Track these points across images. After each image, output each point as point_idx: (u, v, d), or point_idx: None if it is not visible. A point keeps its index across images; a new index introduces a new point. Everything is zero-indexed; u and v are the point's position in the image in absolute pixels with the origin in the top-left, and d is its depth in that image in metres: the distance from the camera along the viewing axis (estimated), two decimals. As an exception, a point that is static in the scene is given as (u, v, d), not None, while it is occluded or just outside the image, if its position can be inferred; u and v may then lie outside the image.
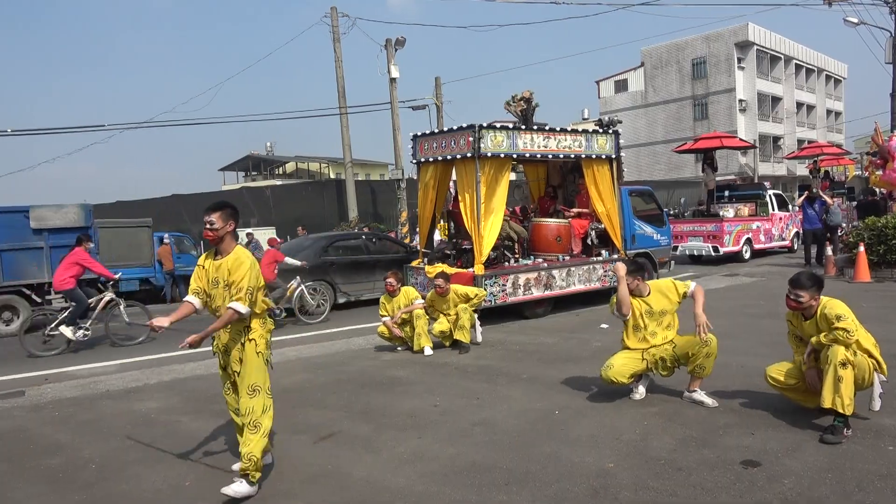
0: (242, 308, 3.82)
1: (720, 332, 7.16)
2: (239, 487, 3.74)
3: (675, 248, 16.99)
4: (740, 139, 24.91)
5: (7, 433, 5.37)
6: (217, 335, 3.98)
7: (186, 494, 3.94)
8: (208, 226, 3.89)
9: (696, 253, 17.18)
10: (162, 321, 3.96)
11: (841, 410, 4.06)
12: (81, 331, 9.29)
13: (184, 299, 4.11)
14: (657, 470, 3.82)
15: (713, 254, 16.51)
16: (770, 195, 18.30)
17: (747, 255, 17.09)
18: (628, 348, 5.21)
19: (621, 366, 5.10)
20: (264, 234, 18.38)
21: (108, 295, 9.65)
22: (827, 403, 4.10)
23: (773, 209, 18.12)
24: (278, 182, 40.13)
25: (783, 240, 18.60)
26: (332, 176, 42.87)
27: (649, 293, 5.19)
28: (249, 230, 17.74)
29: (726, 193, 18.55)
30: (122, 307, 9.64)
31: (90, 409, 6.04)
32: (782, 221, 18.45)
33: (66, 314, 9.31)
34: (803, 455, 3.91)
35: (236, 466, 4.07)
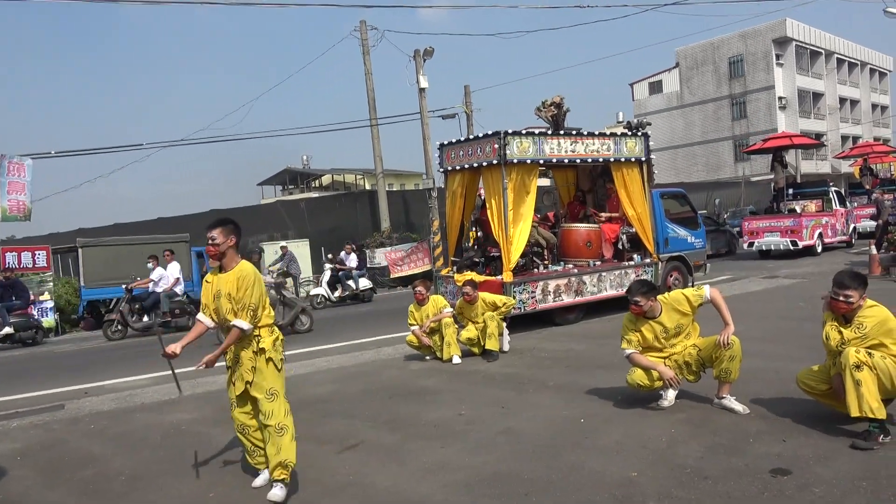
0: (245, 325, 3.90)
1: (758, 337, 7.03)
2: (280, 491, 3.86)
3: (752, 244, 17.86)
4: (809, 137, 25.03)
5: (45, 446, 5.54)
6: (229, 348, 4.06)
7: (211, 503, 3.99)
8: (210, 241, 3.96)
9: (767, 248, 17.70)
10: (175, 347, 4.02)
11: (871, 415, 3.89)
12: None
13: (196, 318, 4.22)
14: (683, 479, 3.72)
15: (792, 248, 17.11)
16: (832, 192, 18.97)
17: (819, 249, 17.61)
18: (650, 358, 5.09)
19: (646, 369, 4.99)
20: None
21: None
22: (854, 412, 3.94)
23: (836, 205, 18.74)
24: (314, 195, 40.65)
25: (844, 234, 19.15)
26: (367, 187, 43.26)
27: (661, 312, 5.01)
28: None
29: (790, 191, 19.01)
30: None
31: (125, 421, 6.19)
32: (843, 217, 19.09)
33: None
34: (836, 463, 3.76)
35: (257, 483, 4.14)
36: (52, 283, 15.52)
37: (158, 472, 4.61)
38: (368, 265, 20.68)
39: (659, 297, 5.07)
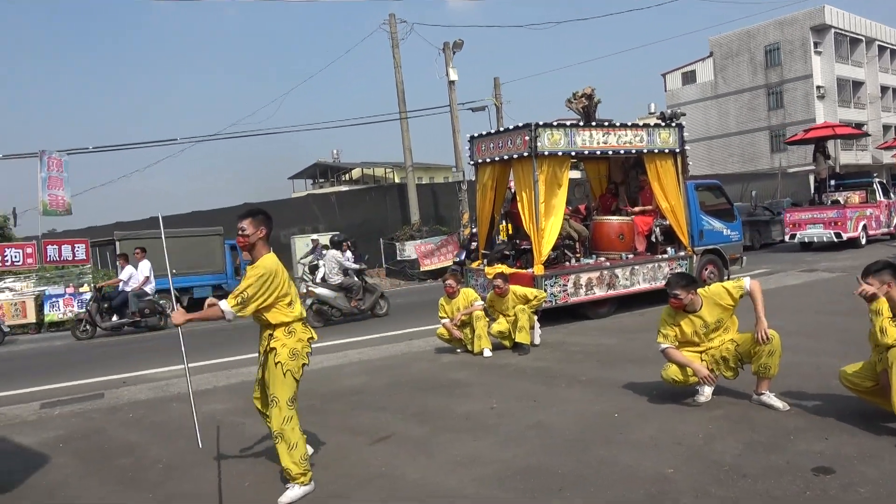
0: (226, 308, 3.76)
1: (795, 331, 6.85)
2: (291, 493, 3.82)
3: (794, 235, 17.59)
4: (852, 127, 24.54)
5: (85, 434, 5.67)
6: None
7: (246, 495, 4.03)
8: (240, 232, 3.90)
9: (810, 240, 17.48)
10: (178, 318, 3.90)
11: None
12: None
13: (218, 301, 4.02)
14: (720, 476, 3.64)
15: (835, 240, 16.87)
16: (876, 183, 18.72)
17: (863, 241, 17.29)
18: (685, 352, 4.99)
19: (681, 365, 4.89)
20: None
21: None
22: None
23: (879, 197, 18.41)
24: (344, 188, 40.92)
25: (888, 227, 18.78)
26: (397, 180, 43.37)
27: (701, 306, 4.88)
28: (314, 236, 18.08)
29: (832, 183, 18.65)
30: None
31: (161, 410, 6.30)
32: (887, 209, 18.72)
33: None
34: (882, 462, 3.64)
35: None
36: (91, 276, 15.89)
37: (194, 462, 4.68)
38: (399, 258, 20.75)
39: (699, 290, 4.96)
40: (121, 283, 12.81)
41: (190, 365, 4.32)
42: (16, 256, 15.65)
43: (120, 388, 7.49)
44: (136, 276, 12.77)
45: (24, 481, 4.54)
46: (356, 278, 12.00)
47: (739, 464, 3.79)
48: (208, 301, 4.03)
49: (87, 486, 4.40)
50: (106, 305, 12.69)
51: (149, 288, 12.89)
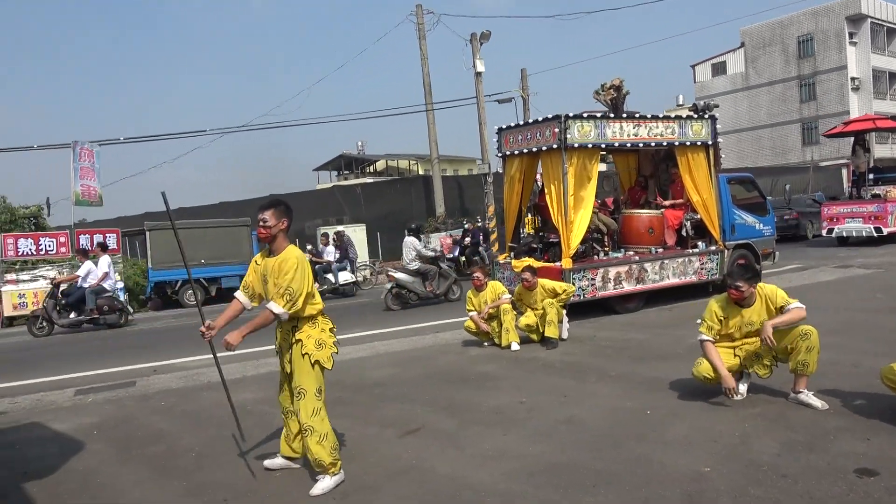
0: (277, 308, 3.75)
1: (831, 329, 6.69)
2: (322, 484, 3.82)
3: (831, 230, 17.16)
4: (894, 120, 23.94)
5: (118, 421, 5.75)
6: (276, 334, 4.02)
7: (276, 484, 4.05)
8: (261, 223, 3.84)
9: (848, 234, 16.98)
10: (214, 327, 3.95)
11: None
12: None
13: (234, 294, 4.13)
14: (759, 476, 3.56)
15: (875, 234, 16.38)
16: None
17: None
18: (719, 347, 4.88)
19: (712, 364, 4.80)
20: (354, 231, 18.78)
21: None
22: None
23: None
24: (369, 180, 41.03)
25: None
26: (421, 172, 43.38)
27: (755, 303, 4.73)
28: (340, 228, 18.15)
29: (871, 176, 18.09)
30: None
31: (192, 399, 6.37)
32: None
33: None
34: (928, 465, 3.53)
35: (269, 462, 4.22)
36: (121, 265, 16.15)
37: (224, 451, 4.72)
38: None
39: (761, 284, 4.81)
40: (79, 280, 12.52)
41: (219, 355, 4.31)
42: (49, 245, 15.97)
43: (151, 377, 7.60)
44: (94, 272, 12.54)
45: (60, 467, 4.62)
46: (433, 265, 12.47)
47: (778, 464, 3.70)
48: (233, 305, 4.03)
49: (121, 473, 4.45)
50: (63, 302, 12.41)
51: (107, 284, 12.71)
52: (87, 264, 12.64)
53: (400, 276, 12.10)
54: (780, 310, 4.64)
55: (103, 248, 13.15)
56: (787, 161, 42.83)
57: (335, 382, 6.06)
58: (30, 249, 15.74)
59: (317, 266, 15.12)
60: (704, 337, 4.86)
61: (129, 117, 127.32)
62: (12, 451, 5.12)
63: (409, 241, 12.57)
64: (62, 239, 16.16)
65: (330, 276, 15.35)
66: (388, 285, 12.24)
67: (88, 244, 15.78)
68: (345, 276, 15.64)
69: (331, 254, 15.85)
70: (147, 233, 15.94)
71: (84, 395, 6.87)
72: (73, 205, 18.24)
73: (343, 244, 16.24)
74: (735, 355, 4.86)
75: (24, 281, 14.94)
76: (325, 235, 16.52)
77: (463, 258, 17.06)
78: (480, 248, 17.03)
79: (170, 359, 8.62)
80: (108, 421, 5.77)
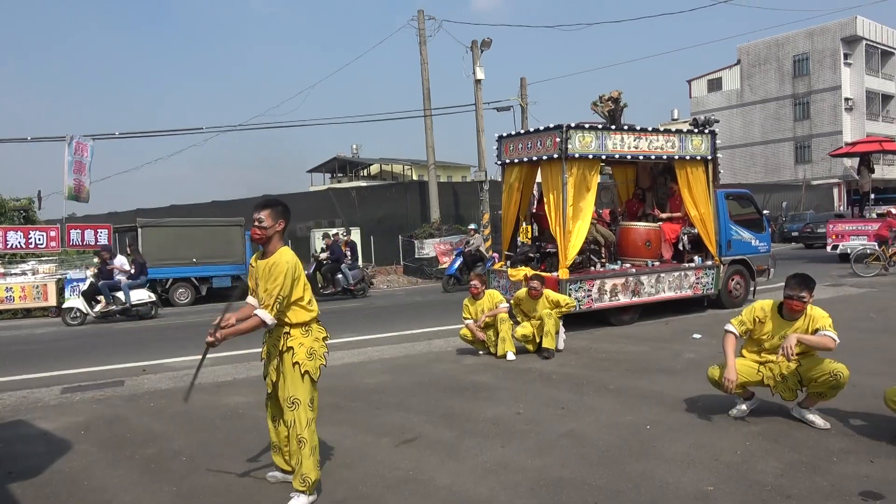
0: (265, 317, 3.57)
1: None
2: (297, 502, 3.67)
3: (836, 246, 17.72)
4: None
5: (107, 421, 5.62)
6: (264, 338, 3.86)
7: (270, 490, 3.96)
8: (257, 223, 3.64)
9: (851, 252, 17.21)
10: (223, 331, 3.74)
11: None
12: None
13: (247, 300, 3.93)
14: (763, 496, 3.51)
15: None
16: None
17: None
18: (744, 356, 4.80)
19: (722, 364, 4.71)
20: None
21: None
22: None
23: None
24: (363, 183, 40.90)
25: None
26: (415, 178, 43.34)
27: (800, 319, 4.55)
28: (335, 231, 18.01)
29: (872, 196, 18.89)
30: None
31: (182, 401, 6.23)
32: None
33: None
34: (935, 490, 3.49)
35: (272, 476, 4.05)
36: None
37: (217, 455, 4.62)
38: (417, 255, 20.65)
39: (814, 304, 4.64)
40: (115, 272, 12.95)
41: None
42: (39, 239, 15.78)
43: (140, 376, 7.46)
44: (126, 265, 13.23)
45: (47, 467, 4.50)
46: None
47: (782, 484, 3.65)
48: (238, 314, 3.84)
49: (110, 475, 4.34)
50: (100, 291, 12.76)
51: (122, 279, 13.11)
52: (121, 257, 13.48)
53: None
54: (815, 332, 4.49)
55: (110, 251, 13.49)
56: (780, 178, 43.14)
57: (330, 387, 5.97)
58: (19, 242, 15.54)
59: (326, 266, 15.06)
60: (731, 328, 4.73)
61: (122, 113, 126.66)
62: (-3, 449, 4.99)
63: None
64: (52, 233, 15.97)
65: (340, 277, 15.17)
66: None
67: (79, 239, 15.66)
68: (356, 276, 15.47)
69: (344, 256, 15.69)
70: (139, 229, 15.76)
71: (71, 393, 6.73)
72: (65, 199, 18.06)
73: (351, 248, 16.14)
74: (759, 371, 4.72)
75: (12, 274, 14.72)
76: (326, 235, 16.53)
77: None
78: (343, 266, 15.27)
79: (159, 358, 8.48)
80: (97, 421, 5.63)
